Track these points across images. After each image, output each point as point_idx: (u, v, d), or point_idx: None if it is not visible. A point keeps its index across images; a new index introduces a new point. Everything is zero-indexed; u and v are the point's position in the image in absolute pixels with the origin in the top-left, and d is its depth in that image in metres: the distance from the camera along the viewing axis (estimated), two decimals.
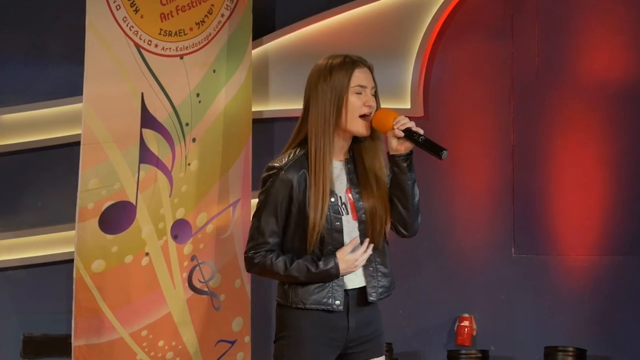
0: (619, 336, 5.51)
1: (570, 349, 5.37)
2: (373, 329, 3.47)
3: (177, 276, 5.37)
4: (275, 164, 3.38)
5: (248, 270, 3.45)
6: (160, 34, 5.42)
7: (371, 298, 3.42)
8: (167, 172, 5.40)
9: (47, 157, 5.80)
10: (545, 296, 5.55)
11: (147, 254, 5.34)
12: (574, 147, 5.57)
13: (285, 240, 3.40)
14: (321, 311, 3.36)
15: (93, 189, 5.28)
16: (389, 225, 3.46)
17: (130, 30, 5.37)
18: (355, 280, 3.41)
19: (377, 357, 3.48)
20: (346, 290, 3.39)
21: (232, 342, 5.43)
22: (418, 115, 5.59)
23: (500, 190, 5.63)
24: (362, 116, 3.38)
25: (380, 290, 3.44)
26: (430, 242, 5.63)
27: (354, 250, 3.37)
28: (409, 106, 5.62)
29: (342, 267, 3.34)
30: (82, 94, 5.33)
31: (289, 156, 3.39)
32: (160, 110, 5.40)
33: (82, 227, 5.27)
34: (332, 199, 3.37)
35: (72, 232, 5.40)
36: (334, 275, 3.35)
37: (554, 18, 5.62)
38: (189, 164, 5.42)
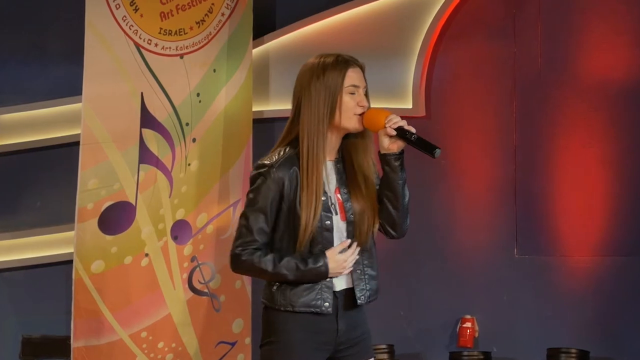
0: (622, 337, 5.50)
1: (573, 350, 5.37)
2: (361, 331, 3.44)
3: (177, 277, 5.36)
4: (266, 162, 3.35)
5: (234, 269, 3.40)
6: (160, 33, 5.42)
7: (359, 301, 3.39)
8: (167, 173, 5.39)
9: (46, 157, 5.80)
10: (548, 297, 5.55)
11: (146, 254, 5.34)
12: (577, 147, 5.57)
13: (274, 239, 3.37)
14: (310, 314, 3.33)
15: (92, 189, 5.27)
16: (377, 227, 3.44)
17: (130, 29, 5.37)
18: (342, 281, 3.38)
19: (367, 359, 3.46)
20: (334, 292, 3.36)
21: (233, 344, 5.43)
22: (420, 115, 5.59)
23: (502, 191, 5.63)
24: (355, 116, 3.38)
25: (368, 293, 3.41)
26: (431, 243, 5.64)
27: (343, 251, 3.34)
28: (410, 106, 5.62)
29: (331, 266, 3.30)
30: (81, 94, 5.33)
31: (279, 154, 3.36)
32: (160, 110, 5.39)
33: (82, 227, 5.26)
34: (323, 198, 3.34)
35: (72, 233, 5.39)
36: (323, 274, 3.31)
37: (556, 18, 5.62)
38: (189, 164, 5.41)
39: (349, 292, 3.39)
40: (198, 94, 5.44)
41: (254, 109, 5.60)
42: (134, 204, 5.32)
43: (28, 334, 5.61)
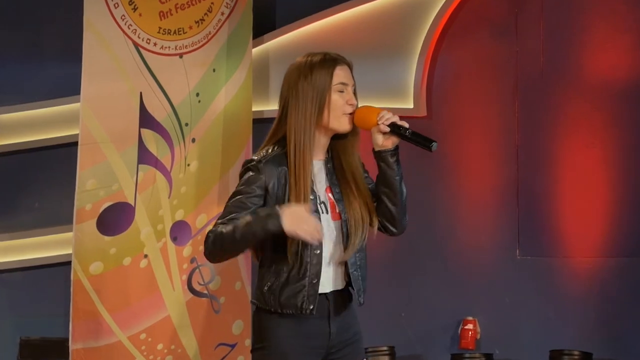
0: (625, 339, 5.49)
1: (576, 352, 5.36)
2: (353, 332, 3.42)
3: (176, 278, 5.35)
4: (253, 158, 3.34)
5: (205, 254, 3.33)
6: (159, 32, 5.40)
7: (360, 300, 3.38)
8: (166, 173, 5.38)
9: (44, 157, 5.79)
10: (551, 299, 5.54)
11: (145, 256, 5.32)
12: (579, 147, 5.56)
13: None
14: (300, 317, 3.30)
15: (91, 190, 5.26)
16: (375, 225, 3.41)
17: (129, 28, 5.35)
18: (332, 283, 3.35)
19: None
20: (325, 296, 3.34)
21: (232, 346, 5.42)
22: (421, 115, 5.59)
23: (504, 191, 5.62)
24: (343, 115, 3.36)
25: (364, 294, 3.40)
26: (433, 244, 5.63)
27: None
28: (411, 106, 5.61)
29: (286, 220, 3.17)
30: (79, 94, 5.31)
31: (266, 151, 3.34)
32: (159, 110, 5.38)
33: (80, 228, 5.25)
34: (312, 197, 3.32)
35: (70, 234, 5.37)
36: (275, 223, 3.17)
37: (558, 16, 5.61)
38: (188, 165, 5.40)
39: (341, 294, 3.38)
40: (197, 94, 5.43)
41: (254, 108, 5.59)
42: (132, 204, 5.31)
43: (26, 335, 5.58)
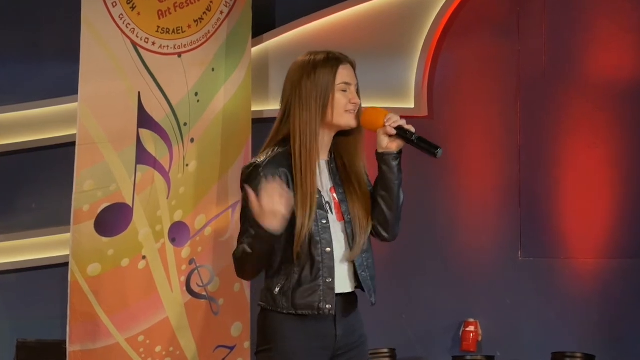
0: (628, 341, 5.48)
1: (578, 354, 5.35)
2: (358, 335, 3.42)
3: (174, 280, 5.33)
4: (254, 162, 3.33)
5: (237, 274, 3.36)
6: (157, 31, 5.38)
7: (372, 300, 3.40)
8: (165, 173, 5.36)
9: (41, 157, 5.78)
10: (553, 300, 5.53)
11: (144, 257, 5.30)
12: (582, 148, 5.54)
13: None
14: (311, 318, 3.30)
15: (88, 191, 5.24)
16: (371, 227, 3.42)
17: (127, 27, 5.33)
18: (344, 284, 3.36)
19: None
20: (336, 295, 3.33)
21: (231, 348, 5.40)
22: (422, 115, 5.57)
23: (506, 192, 5.60)
24: (347, 113, 3.36)
25: (374, 293, 3.41)
26: (434, 245, 5.62)
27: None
28: (412, 105, 5.60)
29: (266, 224, 3.16)
30: (77, 93, 5.29)
31: (266, 154, 3.34)
32: (157, 110, 5.35)
33: (78, 229, 5.23)
34: (317, 197, 3.33)
35: (67, 235, 5.35)
36: (268, 233, 3.16)
37: (561, 15, 5.59)
38: (187, 165, 5.38)
39: (349, 296, 3.37)
40: (196, 94, 5.40)
41: (253, 108, 5.57)
42: (130, 205, 5.29)
43: (23, 338, 5.56)
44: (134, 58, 5.31)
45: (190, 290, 5.35)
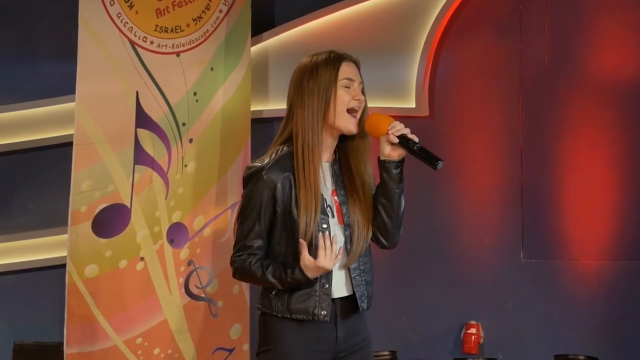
0: (632, 344, 5.46)
1: (581, 357, 5.35)
2: (362, 337, 3.42)
3: (173, 282, 5.31)
4: (256, 164, 3.33)
5: (233, 276, 3.41)
6: (155, 30, 5.35)
7: (363, 306, 3.37)
8: (163, 174, 5.33)
9: (38, 158, 5.77)
10: (555, 302, 5.52)
11: (142, 258, 5.28)
12: (585, 148, 5.53)
13: (272, 242, 3.34)
14: (308, 321, 3.30)
15: (86, 191, 5.21)
16: (371, 233, 3.41)
17: (125, 26, 5.30)
18: (341, 289, 3.35)
19: None
20: (333, 300, 3.33)
21: (231, 350, 5.39)
22: (423, 115, 5.56)
23: (508, 193, 5.59)
24: (351, 111, 3.34)
25: (366, 299, 3.40)
26: (435, 246, 5.60)
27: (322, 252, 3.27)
28: (413, 105, 5.59)
29: (310, 274, 3.26)
30: (74, 93, 5.26)
31: (270, 155, 3.34)
32: (155, 110, 5.33)
33: (75, 230, 5.20)
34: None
35: (65, 236, 5.34)
36: (307, 280, 3.27)
37: (564, 14, 5.58)
38: (185, 166, 5.36)
39: (348, 299, 3.36)
40: (195, 93, 5.39)
41: (253, 108, 5.56)
42: (128, 206, 5.26)
43: (20, 340, 5.57)
44: (132, 57, 5.29)
45: (188, 292, 5.33)
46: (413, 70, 5.57)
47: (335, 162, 3.40)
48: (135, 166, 5.27)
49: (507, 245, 5.56)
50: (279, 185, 3.28)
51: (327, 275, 3.29)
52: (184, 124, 5.35)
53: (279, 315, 3.31)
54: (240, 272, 3.34)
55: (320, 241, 3.23)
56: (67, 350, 5.18)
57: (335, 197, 3.36)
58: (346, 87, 3.33)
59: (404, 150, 3.31)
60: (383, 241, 3.42)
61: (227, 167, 5.41)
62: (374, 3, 5.62)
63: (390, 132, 3.29)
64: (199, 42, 5.40)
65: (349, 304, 3.36)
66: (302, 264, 3.24)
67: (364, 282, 3.37)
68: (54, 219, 5.65)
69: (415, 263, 5.60)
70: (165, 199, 5.31)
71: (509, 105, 5.59)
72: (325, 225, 3.29)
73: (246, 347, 5.39)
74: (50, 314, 5.63)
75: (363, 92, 3.38)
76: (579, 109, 5.53)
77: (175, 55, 5.36)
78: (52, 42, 5.77)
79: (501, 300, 5.55)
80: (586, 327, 5.48)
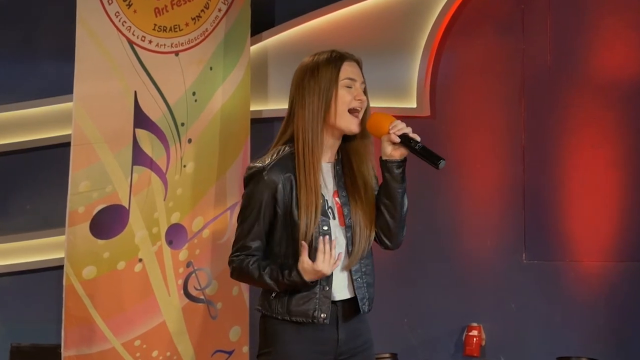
0: (635, 346, 5.44)
1: (584, 359, 5.34)
2: (363, 340, 3.42)
3: (172, 283, 5.29)
4: (257, 164, 3.32)
5: (231, 276, 3.40)
6: (154, 29, 5.34)
7: (364, 308, 3.37)
8: (162, 175, 5.32)
9: (36, 158, 5.77)
10: (558, 304, 5.51)
11: (140, 260, 5.26)
12: (587, 148, 5.51)
13: (273, 244, 3.34)
14: (308, 324, 3.29)
15: (84, 192, 5.19)
16: (373, 234, 3.41)
17: (123, 25, 5.29)
18: (343, 291, 3.35)
19: None
20: (334, 302, 3.33)
21: (230, 353, 5.38)
22: (424, 115, 5.55)
23: (510, 193, 5.58)
24: (352, 111, 3.33)
25: (367, 302, 3.40)
26: (436, 247, 5.60)
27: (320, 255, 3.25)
28: (414, 105, 5.58)
29: (307, 277, 3.24)
30: (72, 93, 5.24)
31: (272, 156, 3.33)
32: (154, 110, 5.31)
33: (73, 231, 5.18)
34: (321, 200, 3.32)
35: (62, 237, 5.31)
36: (304, 284, 3.26)
37: (566, 13, 5.56)
38: (184, 166, 5.35)
39: (350, 301, 3.36)
40: (194, 93, 5.37)
41: (252, 108, 5.55)
42: (127, 207, 5.24)
43: (17, 342, 5.57)
44: (130, 57, 5.27)
45: (187, 294, 5.32)
46: (414, 69, 5.56)
47: (337, 163, 3.39)
48: (134, 167, 5.26)
49: (509, 246, 5.55)
50: (279, 186, 3.27)
51: (327, 277, 3.28)
52: (182, 124, 5.34)
53: (279, 317, 3.30)
54: (238, 272, 3.34)
55: (320, 245, 3.21)
56: (64, 353, 5.16)
57: (337, 199, 3.35)
58: (347, 87, 3.31)
59: (405, 149, 3.30)
60: (386, 242, 3.41)
61: (226, 167, 5.40)
62: (375, 2, 5.61)
63: (391, 132, 3.29)
64: (197, 41, 5.38)
65: (351, 306, 3.36)
66: (300, 266, 3.22)
67: (365, 285, 3.36)
68: (51, 219, 5.65)
69: (416, 264, 5.59)
70: (164, 199, 5.30)
71: (511, 105, 5.58)
72: (325, 227, 3.29)
73: (245, 349, 5.38)
74: (47, 315, 5.63)
75: (365, 92, 3.37)
76: (582, 108, 5.51)
77: (174, 54, 5.35)
78: (50, 42, 5.76)
79: (503, 302, 5.54)
80: (588, 329, 5.46)
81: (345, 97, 3.30)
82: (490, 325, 5.53)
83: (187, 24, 5.37)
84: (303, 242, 3.22)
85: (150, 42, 5.31)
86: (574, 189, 5.52)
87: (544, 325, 5.50)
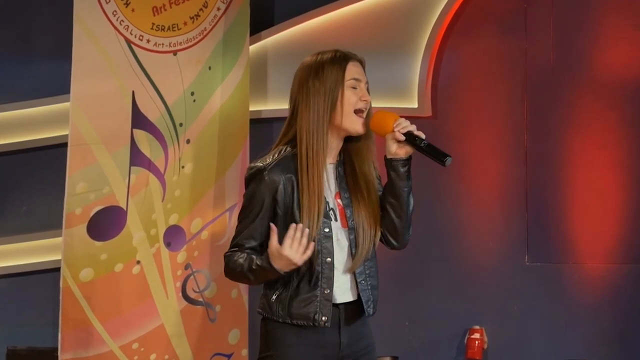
0: (639, 349, 5.44)
1: None
2: (366, 343, 3.41)
3: (170, 286, 5.27)
4: (258, 164, 3.30)
5: (224, 274, 3.38)
6: (152, 28, 5.31)
7: (369, 311, 3.36)
8: (160, 176, 5.29)
9: (32, 159, 5.75)
10: (561, 307, 5.50)
11: (138, 262, 5.24)
12: (591, 149, 5.51)
13: None
14: (309, 327, 3.27)
15: (81, 193, 5.16)
16: (379, 235, 3.39)
17: (121, 24, 5.26)
18: (345, 294, 3.33)
19: None
20: (336, 305, 3.31)
21: (229, 356, 5.37)
22: (425, 115, 5.54)
23: (512, 195, 5.57)
24: (358, 112, 3.32)
25: (372, 304, 3.39)
26: (438, 250, 5.59)
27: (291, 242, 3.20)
28: (416, 105, 5.56)
29: (276, 264, 3.19)
30: (69, 92, 5.22)
31: (273, 155, 3.31)
32: (152, 110, 5.29)
33: (70, 233, 5.15)
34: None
35: (59, 239, 5.29)
36: (273, 271, 3.21)
37: (569, 11, 5.55)
38: (182, 167, 5.32)
39: (352, 304, 3.34)
40: (192, 93, 5.35)
41: (251, 108, 5.53)
42: (124, 208, 5.22)
43: (13, 345, 5.56)
44: (127, 56, 5.25)
45: (186, 296, 5.30)
46: (415, 69, 5.55)
47: (339, 164, 3.38)
48: (131, 167, 5.24)
49: (512, 248, 5.54)
50: (280, 186, 3.26)
51: (328, 280, 3.26)
52: (181, 125, 5.32)
53: (280, 320, 3.29)
54: (227, 268, 3.32)
55: (291, 231, 3.17)
56: (61, 356, 5.14)
57: (339, 200, 3.34)
58: (353, 87, 3.30)
59: (410, 147, 3.29)
60: (393, 242, 3.41)
61: (225, 168, 5.38)
62: (376, 1, 5.60)
63: (396, 130, 3.28)
64: (196, 40, 5.36)
65: (353, 309, 3.34)
66: (268, 250, 3.19)
67: (369, 287, 3.36)
68: (48, 221, 5.62)
69: (417, 266, 5.58)
70: (162, 201, 5.28)
71: (514, 105, 5.58)
72: (327, 229, 3.27)
73: (245, 352, 5.37)
74: (44, 318, 5.63)
75: (368, 92, 3.36)
76: (585, 108, 5.51)
77: (172, 54, 5.32)
78: (47, 41, 5.74)
79: (505, 305, 5.53)
80: (592, 332, 5.46)
81: (351, 98, 3.29)
82: (492, 328, 5.52)
83: (185, 23, 5.34)
84: (272, 225, 3.20)
85: (148, 41, 5.29)
86: (578, 190, 5.51)
87: (547, 329, 5.49)
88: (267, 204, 3.26)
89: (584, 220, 5.49)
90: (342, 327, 3.31)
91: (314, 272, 3.25)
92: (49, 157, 5.67)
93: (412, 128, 3.29)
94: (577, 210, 5.50)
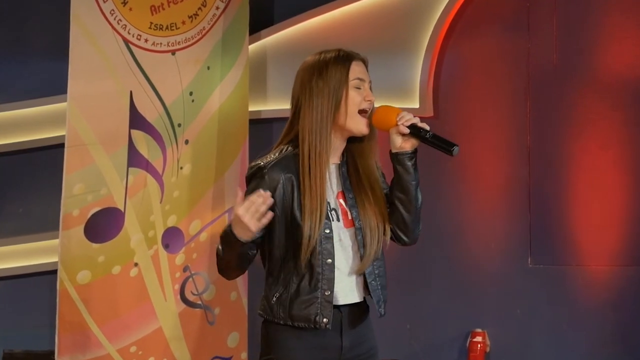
0: None
1: None
2: (368, 347, 3.40)
3: (168, 288, 5.26)
4: (259, 162, 3.28)
5: (218, 270, 3.34)
6: (150, 28, 5.29)
7: (381, 311, 3.36)
8: (158, 177, 5.28)
9: (29, 160, 5.75)
10: (564, 309, 5.49)
11: (136, 264, 5.22)
12: (595, 149, 5.49)
13: (272, 248, 3.28)
14: (310, 330, 3.25)
15: (78, 195, 5.14)
16: (388, 233, 3.37)
17: (119, 24, 5.24)
18: (348, 295, 3.31)
19: None
20: (338, 307, 3.29)
21: (228, 359, 5.37)
22: (427, 115, 5.53)
23: (515, 196, 5.56)
24: (362, 112, 3.30)
25: (383, 304, 3.38)
26: (440, 251, 5.57)
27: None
28: (417, 105, 5.56)
29: (235, 230, 3.11)
30: (66, 92, 5.20)
31: (274, 154, 3.29)
32: (150, 110, 5.27)
33: (67, 235, 5.13)
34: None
35: (56, 241, 5.28)
36: (232, 235, 3.12)
37: (572, 10, 5.54)
38: (181, 168, 5.31)
39: (355, 306, 3.32)
40: (191, 93, 5.34)
41: (251, 108, 5.53)
42: (122, 210, 5.20)
43: (10, 349, 5.56)
44: (125, 56, 5.23)
45: (184, 299, 5.29)
46: (417, 69, 5.55)
47: (342, 164, 3.36)
48: (129, 168, 5.22)
49: (514, 250, 5.53)
50: (279, 185, 3.23)
51: (329, 281, 3.23)
52: (179, 125, 5.31)
53: (281, 322, 3.26)
54: (216, 258, 3.25)
55: (253, 196, 3.09)
56: (58, 359, 5.11)
57: (341, 200, 3.32)
58: (357, 87, 3.28)
59: (416, 140, 3.28)
60: (403, 237, 3.38)
61: (224, 169, 5.37)
62: (376, 0, 5.61)
63: (399, 123, 3.26)
64: (195, 40, 5.35)
65: (356, 311, 3.33)
66: (232, 223, 3.13)
67: (379, 287, 3.34)
68: (45, 223, 5.63)
69: (418, 268, 5.57)
70: (160, 202, 5.27)
71: (516, 105, 5.56)
72: (327, 230, 3.24)
73: (244, 355, 5.36)
74: (41, 321, 5.61)
75: (371, 92, 3.34)
76: (589, 108, 5.49)
77: (170, 53, 5.31)
78: (43, 40, 5.74)
79: (508, 307, 5.53)
80: (596, 335, 5.45)
81: (355, 98, 3.27)
82: (494, 331, 5.52)
83: (183, 22, 5.33)
84: (239, 191, 3.17)
85: (146, 40, 5.27)
86: (581, 191, 5.50)
87: (549, 331, 5.48)
88: None
89: (587, 222, 5.48)
90: (344, 330, 3.29)
91: (314, 274, 3.23)
92: (46, 158, 5.67)
93: (416, 120, 3.27)
94: (581, 212, 5.49)
